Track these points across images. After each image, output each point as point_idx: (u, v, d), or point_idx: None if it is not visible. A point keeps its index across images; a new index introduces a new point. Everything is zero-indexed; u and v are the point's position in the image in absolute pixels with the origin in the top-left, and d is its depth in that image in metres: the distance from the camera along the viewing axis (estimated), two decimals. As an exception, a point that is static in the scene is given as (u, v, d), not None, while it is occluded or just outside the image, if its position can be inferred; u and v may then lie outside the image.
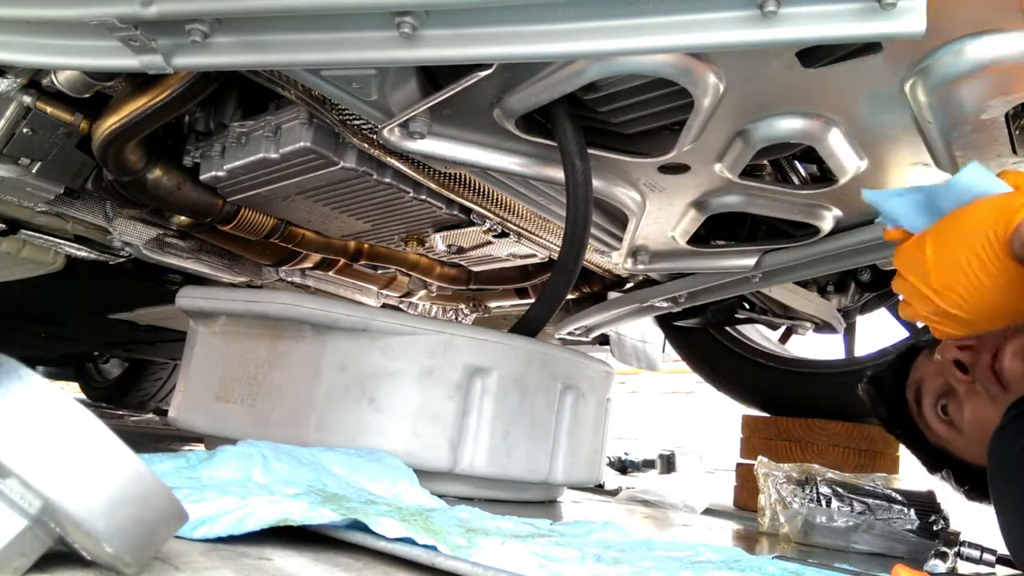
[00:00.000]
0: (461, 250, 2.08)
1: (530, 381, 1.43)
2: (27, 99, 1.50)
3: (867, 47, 0.98)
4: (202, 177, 1.67)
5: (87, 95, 1.50)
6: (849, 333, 2.34)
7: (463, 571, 0.70)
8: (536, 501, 1.57)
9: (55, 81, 1.45)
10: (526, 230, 1.76)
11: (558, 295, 1.46)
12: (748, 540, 1.46)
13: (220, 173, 1.62)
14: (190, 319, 1.57)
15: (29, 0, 0.95)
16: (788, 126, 1.19)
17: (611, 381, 1.71)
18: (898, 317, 2.27)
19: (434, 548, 0.74)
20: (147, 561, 0.56)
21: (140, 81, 1.42)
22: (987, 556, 1.25)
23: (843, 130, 1.20)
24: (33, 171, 1.76)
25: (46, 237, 2.22)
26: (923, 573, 0.80)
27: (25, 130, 1.64)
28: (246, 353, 1.41)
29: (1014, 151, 1.18)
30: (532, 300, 2.39)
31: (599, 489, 2.16)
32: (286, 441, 1.15)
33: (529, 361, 1.44)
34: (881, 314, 2.32)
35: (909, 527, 1.42)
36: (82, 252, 2.34)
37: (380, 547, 0.77)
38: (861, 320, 2.37)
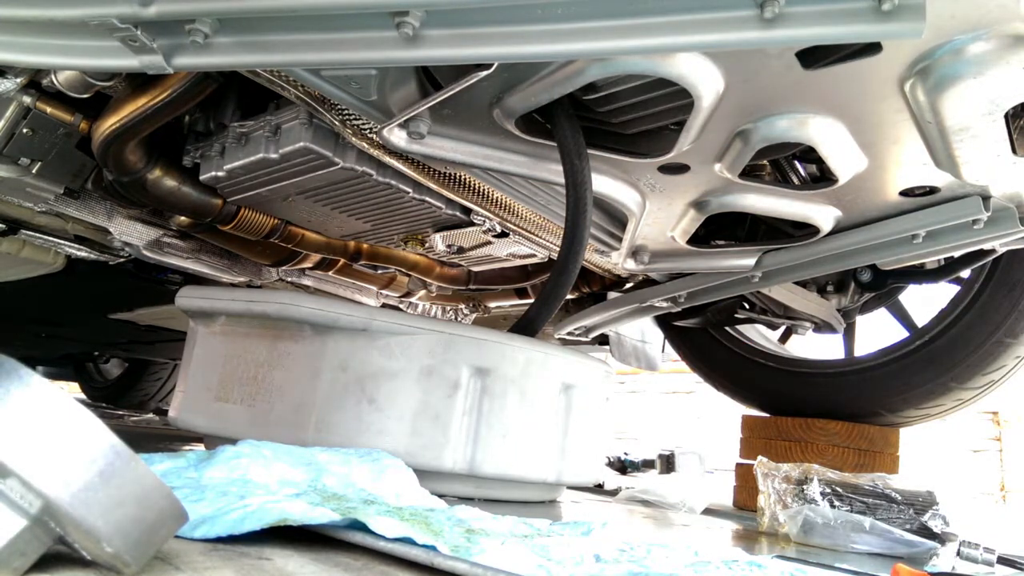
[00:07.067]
0: (461, 250, 2.07)
1: (529, 381, 1.43)
2: (27, 99, 1.50)
3: (867, 47, 0.98)
4: (202, 177, 1.67)
5: (87, 95, 1.50)
6: (849, 333, 2.34)
7: (462, 571, 0.70)
8: (536, 501, 1.57)
9: (55, 81, 1.45)
10: (526, 230, 1.76)
11: (558, 295, 1.46)
12: (748, 540, 1.46)
13: (220, 173, 1.62)
14: (190, 319, 1.57)
15: (29, 0, 0.95)
16: (788, 126, 1.18)
17: (610, 381, 1.71)
18: (897, 317, 2.28)
19: (433, 548, 0.74)
20: (147, 561, 0.56)
21: (140, 81, 1.42)
22: (987, 556, 1.25)
23: (843, 130, 1.20)
24: (33, 171, 1.76)
25: (46, 237, 2.22)
26: (923, 573, 0.80)
27: (25, 130, 1.65)
28: (246, 353, 1.41)
29: (1014, 151, 1.18)
30: (532, 300, 2.39)
31: (599, 489, 2.16)
32: (286, 441, 1.15)
33: (529, 361, 1.44)
34: (881, 314, 2.32)
35: (909, 527, 1.42)
36: (82, 252, 2.35)
37: (380, 547, 0.77)
38: (861, 320, 2.37)
